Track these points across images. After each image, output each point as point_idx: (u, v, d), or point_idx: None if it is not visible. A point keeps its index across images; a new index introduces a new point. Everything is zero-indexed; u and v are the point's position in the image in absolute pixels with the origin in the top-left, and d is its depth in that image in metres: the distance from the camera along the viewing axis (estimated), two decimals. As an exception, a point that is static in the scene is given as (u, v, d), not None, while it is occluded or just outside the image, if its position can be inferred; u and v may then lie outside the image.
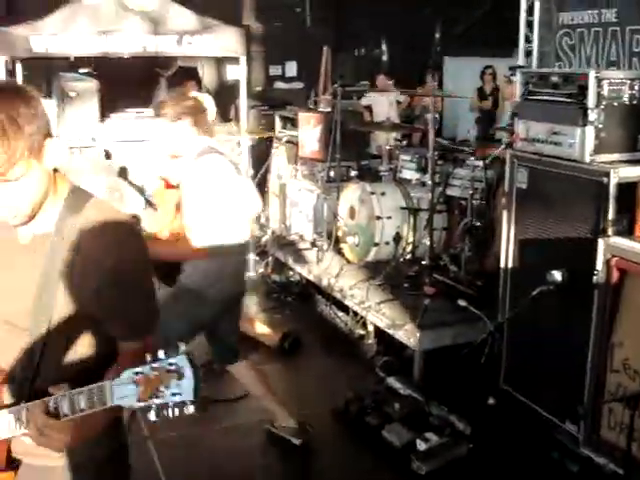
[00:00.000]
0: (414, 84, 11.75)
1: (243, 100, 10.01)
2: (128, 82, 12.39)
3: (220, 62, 13.94)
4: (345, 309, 6.23)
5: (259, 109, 11.01)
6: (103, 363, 1.88)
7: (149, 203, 6.27)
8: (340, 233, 6.96)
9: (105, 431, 1.93)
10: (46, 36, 10.62)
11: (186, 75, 13.55)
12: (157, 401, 1.55)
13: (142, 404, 1.57)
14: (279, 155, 8.58)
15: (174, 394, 1.54)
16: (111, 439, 2.03)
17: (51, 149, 1.76)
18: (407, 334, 5.30)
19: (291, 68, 14.18)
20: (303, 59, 13.90)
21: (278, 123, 9.12)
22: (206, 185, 3.72)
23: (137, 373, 1.56)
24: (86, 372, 1.84)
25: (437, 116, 6.47)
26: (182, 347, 1.57)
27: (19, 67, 11.32)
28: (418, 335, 5.21)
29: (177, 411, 1.57)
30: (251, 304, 6.53)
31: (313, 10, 14.40)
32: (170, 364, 1.55)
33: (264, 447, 4.43)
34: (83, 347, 1.90)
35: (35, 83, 12.48)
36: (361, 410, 4.72)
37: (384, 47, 13.36)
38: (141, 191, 6.70)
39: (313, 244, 7.23)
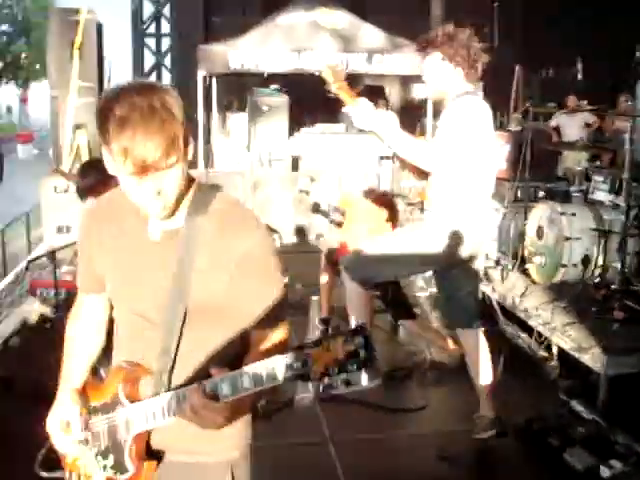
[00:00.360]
0: (605, 106, 11.41)
1: (429, 119, 10.11)
2: (316, 98, 12.81)
3: (406, 81, 14.10)
4: (529, 330, 6.15)
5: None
6: (236, 353, 1.91)
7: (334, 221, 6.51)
8: (526, 253, 6.89)
9: (239, 428, 1.99)
10: (243, 53, 11.22)
11: (373, 93, 13.80)
12: (332, 376, 1.50)
13: (315, 379, 1.52)
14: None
15: (349, 369, 1.48)
16: (243, 437, 2.05)
17: (190, 142, 1.80)
18: (593, 358, 5.18)
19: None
20: (489, 78, 13.85)
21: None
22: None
23: (309, 348, 1.53)
24: (221, 361, 1.85)
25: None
26: (357, 322, 1.55)
27: (214, 82, 12.01)
28: (605, 359, 5.08)
29: (351, 386, 1.49)
30: (433, 319, 6.59)
31: (500, 28, 14.31)
32: (345, 339, 1.50)
33: (441, 458, 4.46)
34: (217, 337, 1.94)
35: (228, 98, 13.22)
36: (543, 430, 4.66)
37: (579, 66, 13.03)
38: (325, 214, 6.93)
39: (498, 263, 7.19)
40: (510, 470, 4.42)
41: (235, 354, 1.91)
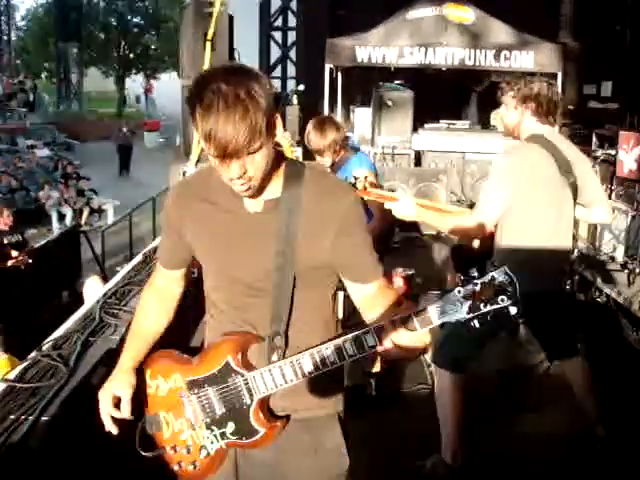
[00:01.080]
0: None
1: (557, 117, 9.95)
2: (440, 94, 12.78)
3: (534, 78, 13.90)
4: (655, 337, 6.01)
5: (572, 127, 10.86)
6: (331, 309, 2.14)
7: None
8: (656, 257, 6.73)
9: (340, 385, 2.22)
10: (370, 47, 11.34)
11: (498, 90, 13.66)
12: (488, 308, 1.69)
13: (472, 315, 1.70)
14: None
15: (501, 300, 1.67)
16: (343, 392, 2.24)
17: (278, 124, 1.88)
18: None
19: (606, 88, 13.74)
20: (620, 79, 13.43)
21: (594, 141, 8.97)
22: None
23: (461, 290, 1.70)
24: (328, 319, 2.12)
25: None
26: (501, 269, 1.69)
27: (340, 75, 12.14)
28: None
29: (502, 314, 1.68)
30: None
31: (633, 28, 13.86)
32: (491, 277, 1.68)
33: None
34: (324, 297, 2.12)
35: (353, 91, 13.36)
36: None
37: None
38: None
39: (624, 266, 7.04)
40: None
41: (331, 310, 2.15)
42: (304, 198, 1.99)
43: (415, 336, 1.76)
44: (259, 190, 1.96)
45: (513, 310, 1.68)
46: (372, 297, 2.06)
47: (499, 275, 1.69)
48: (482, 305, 1.69)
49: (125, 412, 2.13)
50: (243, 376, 2.02)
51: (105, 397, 2.14)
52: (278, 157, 2.00)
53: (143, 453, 2.19)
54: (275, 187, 2.00)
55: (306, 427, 2.14)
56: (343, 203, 2.00)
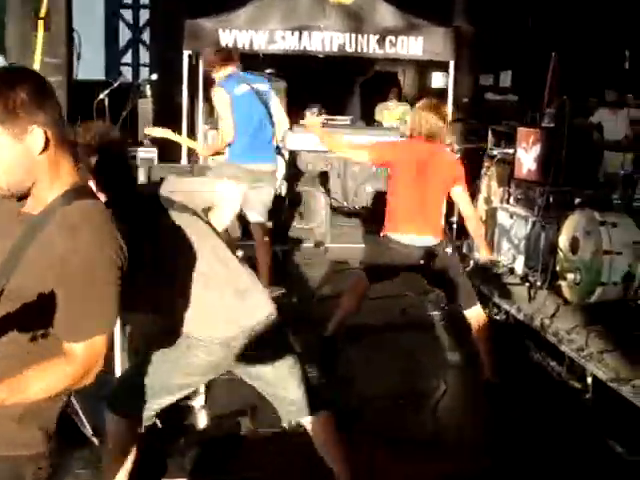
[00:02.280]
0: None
1: (449, 112, 10.18)
2: (317, 85, 12.91)
3: (423, 68, 14.19)
4: (559, 356, 6.23)
5: (467, 122, 11.15)
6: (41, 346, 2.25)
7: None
8: (558, 268, 6.97)
9: None
10: (236, 30, 11.29)
11: (383, 82, 13.88)
12: None
13: None
14: (489, 175, 8.71)
15: None
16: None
17: (37, 136, 2.21)
18: (634, 390, 5.26)
19: (505, 78, 14.22)
20: (520, 68, 13.89)
21: (490, 139, 9.23)
22: None
23: None
24: (22, 351, 2.24)
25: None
26: None
27: (201, 63, 12.04)
28: (649, 393, 5.15)
29: None
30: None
31: (535, 10, 14.38)
32: None
33: None
34: (26, 326, 2.22)
35: (214, 81, 13.29)
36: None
37: (627, 54, 13.09)
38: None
39: (524, 279, 7.28)
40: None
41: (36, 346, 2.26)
42: (48, 222, 2.25)
43: None
44: (13, 194, 2.28)
45: None
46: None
47: None
48: None
49: None
50: None
51: None
52: (63, 179, 2.31)
53: None
54: (40, 203, 2.29)
55: None
56: (68, 236, 2.21)
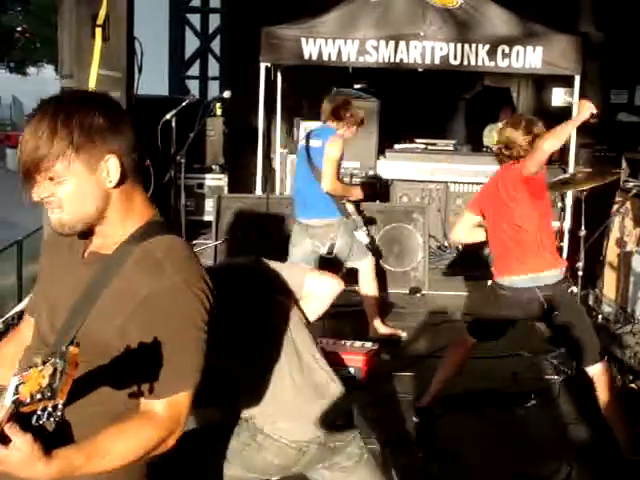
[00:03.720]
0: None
1: (572, 135, 10.09)
2: (416, 104, 12.92)
3: (542, 83, 14.07)
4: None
5: (595, 148, 11.01)
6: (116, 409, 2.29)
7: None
8: None
9: None
10: (321, 40, 11.37)
11: (493, 99, 13.79)
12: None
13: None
14: (623, 213, 8.60)
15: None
16: None
17: (112, 167, 2.30)
18: None
19: (643, 94, 13.99)
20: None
21: (624, 168, 9.12)
22: None
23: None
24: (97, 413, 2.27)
25: None
26: None
27: (280, 77, 12.15)
28: None
29: None
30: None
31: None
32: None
33: None
34: (98, 383, 2.26)
35: (298, 99, 13.44)
36: None
37: None
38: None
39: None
40: None
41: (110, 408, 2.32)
42: (125, 264, 2.31)
43: None
44: (81, 232, 2.37)
45: None
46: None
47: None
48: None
49: None
50: None
51: None
52: (137, 214, 2.41)
53: None
54: (112, 242, 2.38)
55: None
56: (152, 280, 2.27)
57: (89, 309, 2.27)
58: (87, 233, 2.40)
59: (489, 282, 5.97)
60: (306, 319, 3.82)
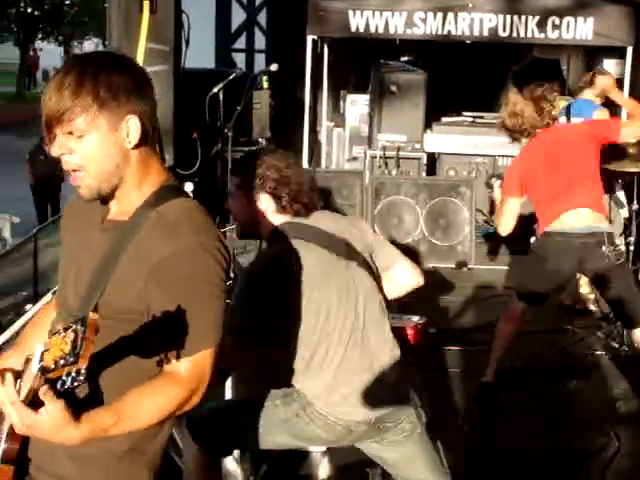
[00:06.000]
0: None
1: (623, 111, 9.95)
2: (463, 77, 12.82)
3: (593, 54, 13.91)
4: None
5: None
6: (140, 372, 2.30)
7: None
8: None
9: None
10: (368, 12, 11.32)
11: (542, 71, 13.65)
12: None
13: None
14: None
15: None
16: None
17: (132, 127, 2.32)
18: None
19: None
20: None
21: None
22: None
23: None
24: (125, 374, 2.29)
25: None
26: None
27: (327, 50, 12.13)
28: None
29: None
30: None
31: None
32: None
33: None
34: (122, 349, 2.29)
35: (345, 72, 13.40)
36: None
37: None
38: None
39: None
40: None
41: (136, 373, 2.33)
42: (143, 227, 2.34)
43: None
44: (103, 196, 2.39)
45: None
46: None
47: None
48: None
49: None
50: None
51: None
52: (152, 177, 2.43)
53: None
54: (129, 207, 2.40)
55: None
56: (171, 240, 2.29)
57: (109, 276, 2.31)
58: (106, 199, 2.42)
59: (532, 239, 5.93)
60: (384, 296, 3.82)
